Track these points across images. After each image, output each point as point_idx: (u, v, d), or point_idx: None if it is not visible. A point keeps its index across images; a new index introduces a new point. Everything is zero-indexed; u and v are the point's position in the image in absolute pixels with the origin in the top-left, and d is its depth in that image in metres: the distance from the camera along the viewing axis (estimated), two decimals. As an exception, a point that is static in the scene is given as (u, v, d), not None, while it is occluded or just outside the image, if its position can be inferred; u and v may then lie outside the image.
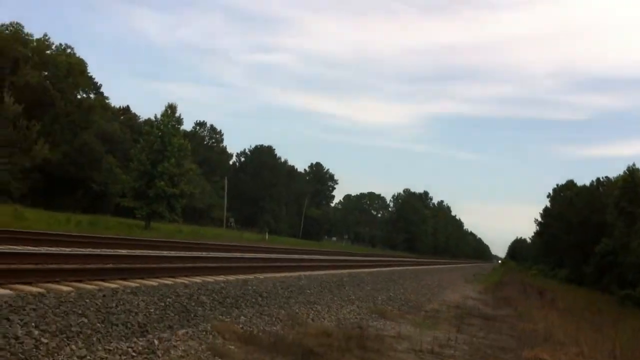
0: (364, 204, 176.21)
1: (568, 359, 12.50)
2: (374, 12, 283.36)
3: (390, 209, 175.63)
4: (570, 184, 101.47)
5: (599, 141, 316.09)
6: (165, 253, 20.68)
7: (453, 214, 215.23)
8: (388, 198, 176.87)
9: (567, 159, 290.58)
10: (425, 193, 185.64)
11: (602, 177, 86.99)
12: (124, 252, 18.51)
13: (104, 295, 9.85)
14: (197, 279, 14.18)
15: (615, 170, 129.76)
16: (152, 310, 9.99)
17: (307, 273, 21.50)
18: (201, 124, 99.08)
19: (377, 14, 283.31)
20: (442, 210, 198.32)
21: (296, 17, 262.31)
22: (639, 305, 42.49)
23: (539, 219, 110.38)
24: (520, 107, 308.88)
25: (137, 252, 19.55)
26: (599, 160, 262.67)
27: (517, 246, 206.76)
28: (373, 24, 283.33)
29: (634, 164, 63.39)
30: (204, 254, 23.49)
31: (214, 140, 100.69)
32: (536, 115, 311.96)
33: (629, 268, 54.16)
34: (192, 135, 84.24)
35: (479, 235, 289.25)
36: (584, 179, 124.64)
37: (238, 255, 26.29)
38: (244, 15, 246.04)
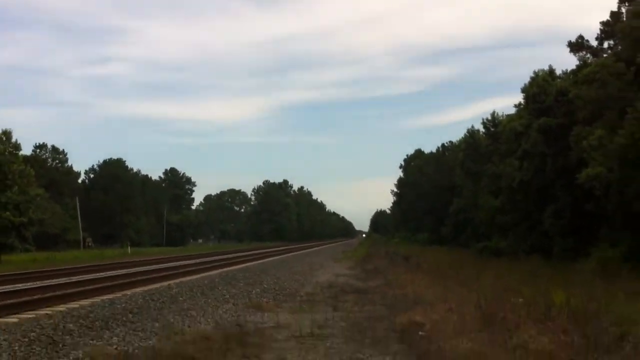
0: (226, 201, 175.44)
1: (439, 316, 13.13)
2: (209, 12, 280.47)
3: (252, 202, 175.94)
4: (419, 152, 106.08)
5: (440, 109, 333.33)
6: (20, 286, 19.44)
7: (315, 197, 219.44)
8: (249, 192, 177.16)
9: (414, 130, 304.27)
10: (285, 182, 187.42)
11: (447, 142, 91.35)
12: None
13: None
14: (61, 307, 13.57)
15: (457, 135, 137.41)
16: (16, 348, 9.47)
17: (177, 280, 21.13)
18: (41, 146, 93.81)
19: (212, 12, 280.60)
20: (304, 195, 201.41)
21: (128, 26, 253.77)
22: (495, 254, 45.40)
23: (395, 190, 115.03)
24: (363, 87, 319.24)
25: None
26: (442, 127, 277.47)
27: (379, 218, 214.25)
28: (208, 23, 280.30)
29: (472, 126, 67.33)
30: (64, 279, 22.37)
31: (57, 161, 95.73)
32: (379, 93, 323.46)
33: (481, 223, 57.70)
34: (33, 160, 79.58)
35: (342, 214, 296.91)
36: (431, 147, 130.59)
37: (101, 275, 25.27)
38: (73, 29, 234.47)
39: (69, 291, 16.74)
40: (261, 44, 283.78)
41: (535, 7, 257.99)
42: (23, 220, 45.38)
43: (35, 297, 15.41)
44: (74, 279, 22.83)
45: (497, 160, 51.00)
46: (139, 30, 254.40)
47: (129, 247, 76.19)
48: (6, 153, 46.73)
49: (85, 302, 14.70)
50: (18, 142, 48.71)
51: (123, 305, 14.05)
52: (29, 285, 19.99)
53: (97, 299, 15.18)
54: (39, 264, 40.26)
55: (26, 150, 72.79)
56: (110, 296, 15.81)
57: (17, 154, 48.79)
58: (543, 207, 38.86)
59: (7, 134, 47.74)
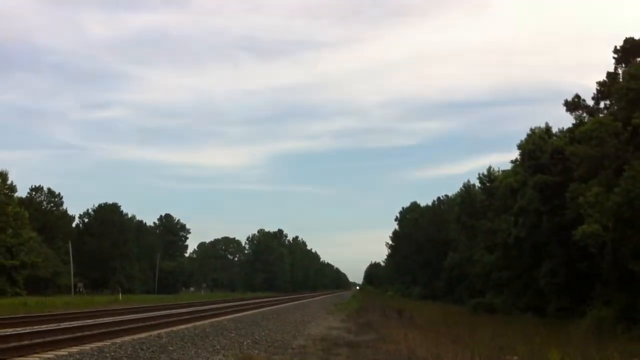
0: (220, 249, 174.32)
1: (432, 373, 12.97)
2: (209, 60, 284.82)
3: (246, 251, 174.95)
4: (415, 205, 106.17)
5: (436, 163, 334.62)
6: (10, 331, 19.16)
7: (309, 247, 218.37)
8: (243, 240, 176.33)
9: (410, 183, 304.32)
10: (280, 231, 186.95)
11: (442, 196, 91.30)
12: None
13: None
14: (49, 354, 13.35)
15: (453, 189, 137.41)
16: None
17: (168, 330, 20.85)
18: (37, 189, 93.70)
19: (212, 61, 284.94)
20: (298, 245, 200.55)
21: (130, 71, 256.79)
22: (489, 311, 45.08)
23: (390, 242, 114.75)
24: (360, 138, 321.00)
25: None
26: (438, 181, 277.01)
27: (373, 271, 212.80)
28: (208, 71, 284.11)
29: (468, 180, 67.65)
30: (53, 325, 22.06)
31: (52, 204, 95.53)
32: (376, 145, 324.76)
33: (476, 278, 57.38)
34: (28, 202, 79.44)
35: (336, 266, 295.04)
36: (427, 200, 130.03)
37: (90, 321, 24.94)
38: (75, 73, 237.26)
39: (58, 338, 16.47)
40: (259, 93, 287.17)
41: (534, 64, 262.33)
42: (15, 264, 45.15)
43: (23, 342, 15.18)
44: (64, 325, 22.52)
45: (492, 215, 51.13)
46: (140, 76, 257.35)
47: (119, 294, 75.40)
48: (1, 195, 46.77)
49: (74, 349, 14.46)
50: (14, 184, 48.90)
51: (112, 354, 13.83)
52: (18, 330, 19.69)
53: (86, 347, 14.94)
54: (29, 308, 39.74)
55: (22, 192, 72.87)
56: (100, 344, 15.57)
57: (12, 196, 48.86)
58: (538, 265, 38.80)
59: (3, 175, 47.89)
